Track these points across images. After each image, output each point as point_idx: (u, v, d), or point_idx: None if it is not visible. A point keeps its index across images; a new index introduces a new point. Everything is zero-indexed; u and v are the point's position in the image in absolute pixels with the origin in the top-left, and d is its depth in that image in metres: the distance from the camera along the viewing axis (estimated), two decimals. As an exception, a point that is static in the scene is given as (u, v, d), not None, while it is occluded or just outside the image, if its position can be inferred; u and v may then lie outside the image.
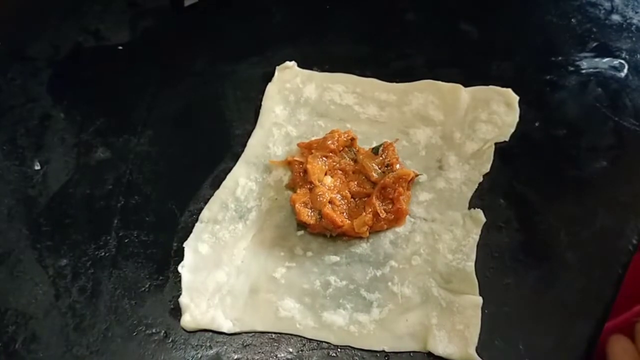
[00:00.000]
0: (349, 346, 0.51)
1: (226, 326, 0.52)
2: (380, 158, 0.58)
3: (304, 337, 0.51)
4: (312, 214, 0.55)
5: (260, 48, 0.71)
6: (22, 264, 0.56)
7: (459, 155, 0.60)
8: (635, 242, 0.56)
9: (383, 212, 0.55)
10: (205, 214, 0.58)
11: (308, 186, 0.56)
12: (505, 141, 0.62)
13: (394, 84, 0.66)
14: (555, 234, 0.56)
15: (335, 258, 0.55)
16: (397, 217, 0.55)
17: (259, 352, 0.51)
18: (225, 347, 0.51)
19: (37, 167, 0.63)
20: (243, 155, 0.62)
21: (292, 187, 0.59)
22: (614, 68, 0.68)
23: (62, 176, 0.62)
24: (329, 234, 0.56)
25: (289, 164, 0.60)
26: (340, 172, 0.58)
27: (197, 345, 0.51)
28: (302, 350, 0.51)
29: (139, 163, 0.62)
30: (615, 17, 0.73)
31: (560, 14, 0.73)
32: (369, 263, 0.54)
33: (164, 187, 0.61)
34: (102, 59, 0.72)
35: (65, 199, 0.60)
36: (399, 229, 0.56)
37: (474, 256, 0.54)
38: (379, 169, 0.58)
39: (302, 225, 0.56)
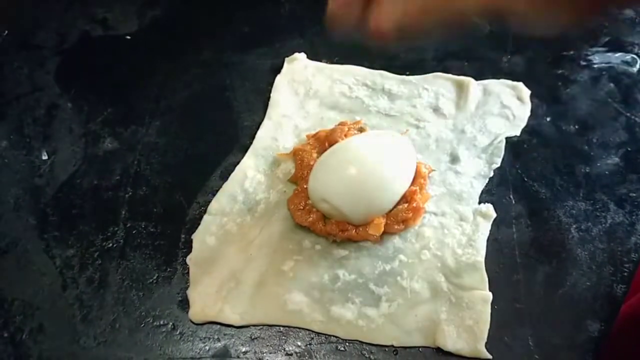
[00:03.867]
0: (358, 340, 0.51)
1: (234, 319, 0.51)
2: None
3: (312, 331, 0.51)
4: (311, 216, 0.54)
5: (269, 39, 0.71)
6: (29, 255, 0.56)
7: (470, 149, 0.60)
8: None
9: (400, 220, 0.54)
10: (213, 205, 0.57)
11: (305, 185, 0.56)
12: (516, 135, 0.61)
13: (405, 76, 0.66)
14: (565, 230, 0.56)
15: (344, 252, 0.54)
16: (414, 216, 0.54)
17: (267, 345, 0.51)
18: (233, 339, 0.51)
19: (45, 157, 0.62)
20: (251, 147, 0.61)
21: (295, 180, 0.58)
22: (626, 63, 0.68)
23: (69, 166, 0.61)
24: (331, 239, 0.55)
25: (294, 154, 0.59)
26: None
27: (204, 338, 0.51)
28: (310, 344, 0.51)
29: (147, 154, 0.62)
30: (628, 12, 0.73)
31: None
32: (378, 257, 0.54)
33: (171, 178, 0.60)
34: (109, 49, 0.72)
35: (73, 189, 0.60)
36: (409, 223, 0.56)
37: (483, 251, 0.54)
38: None
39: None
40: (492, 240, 0.55)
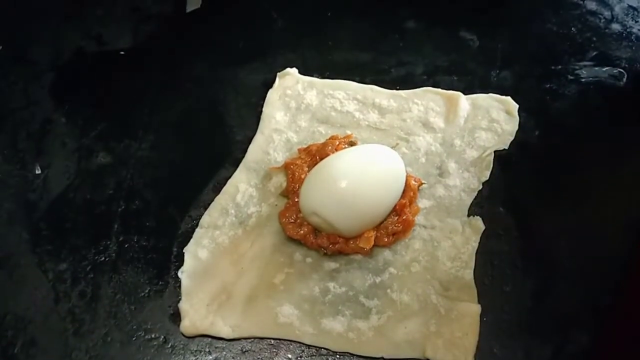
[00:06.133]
0: (348, 353, 0.51)
1: (225, 332, 0.52)
2: None
3: (303, 343, 0.52)
4: (302, 229, 0.55)
5: (261, 54, 0.72)
6: (22, 268, 0.56)
7: (459, 162, 0.61)
8: (634, 251, 0.56)
9: (390, 233, 0.55)
10: (205, 219, 0.58)
11: (296, 199, 0.56)
12: (504, 149, 0.62)
13: (395, 91, 0.67)
14: (554, 242, 0.57)
15: (334, 264, 0.55)
16: (404, 229, 0.55)
17: (258, 358, 0.51)
18: (224, 352, 0.51)
19: (38, 172, 0.63)
20: (243, 161, 0.62)
21: (286, 194, 0.59)
22: (614, 77, 0.69)
23: (62, 180, 0.62)
24: (322, 252, 0.55)
25: (285, 168, 0.60)
26: None
27: (196, 351, 0.51)
28: (300, 357, 0.51)
29: (140, 168, 0.62)
30: (615, 26, 0.74)
31: (560, 22, 0.74)
32: (368, 270, 0.55)
33: (164, 192, 0.61)
34: (104, 64, 0.72)
35: (66, 203, 0.60)
36: (398, 236, 0.57)
37: (472, 264, 0.55)
38: None
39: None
40: (481, 253, 0.55)
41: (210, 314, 0.52)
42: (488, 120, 0.64)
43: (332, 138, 0.61)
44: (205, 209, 0.59)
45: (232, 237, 0.57)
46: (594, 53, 0.71)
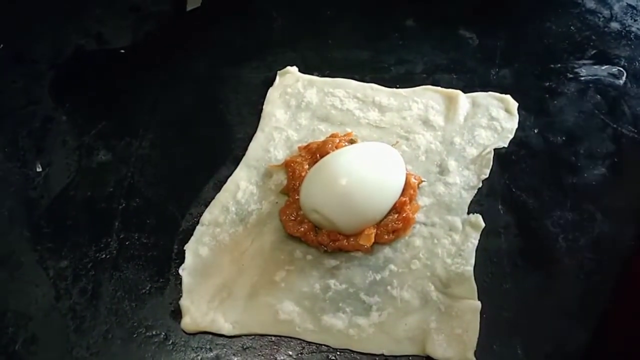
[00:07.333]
0: (348, 349, 0.51)
1: (226, 329, 0.52)
2: None
3: (304, 340, 0.52)
4: (302, 227, 0.55)
5: (261, 53, 0.72)
6: (23, 266, 0.56)
7: (459, 160, 0.61)
8: (634, 249, 0.56)
9: (390, 230, 0.55)
10: (206, 216, 0.58)
11: (297, 196, 0.56)
12: (504, 147, 0.62)
13: (395, 89, 0.67)
14: (553, 240, 0.57)
15: (335, 262, 0.55)
16: (404, 226, 0.55)
17: (259, 355, 0.51)
18: (225, 349, 0.51)
19: (39, 169, 0.63)
20: (244, 159, 0.62)
21: (286, 191, 0.59)
22: (613, 75, 0.69)
23: (63, 178, 0.62)
24: (322, 249, 0.55)
25: (286, 165, 0.60)
26: None
27: (197, 348, 0.51)
28: (301, 354, 0.51)
29: (141, 166, 0.63)
30: (615, 25, 0.74)
31: (559, 21, 0.74)
32: (368, 267, 0.55)
33: (165, 190, 0.61)
34: (104, 63, 0.72)
35: (67, 201, 0.60)
36: (399, 233, 0.57)
37: (472, 261, 0.55)
38: None
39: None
40: (481, 250, 0.56)
41: (211, 311, 0.52)
42: (488, 118, 0.64)
43: (332, 136, 0.61)
44: (206, 206, 0.59)
45: (233, 234, 0.57)
46: (593, 51, 0.71)
